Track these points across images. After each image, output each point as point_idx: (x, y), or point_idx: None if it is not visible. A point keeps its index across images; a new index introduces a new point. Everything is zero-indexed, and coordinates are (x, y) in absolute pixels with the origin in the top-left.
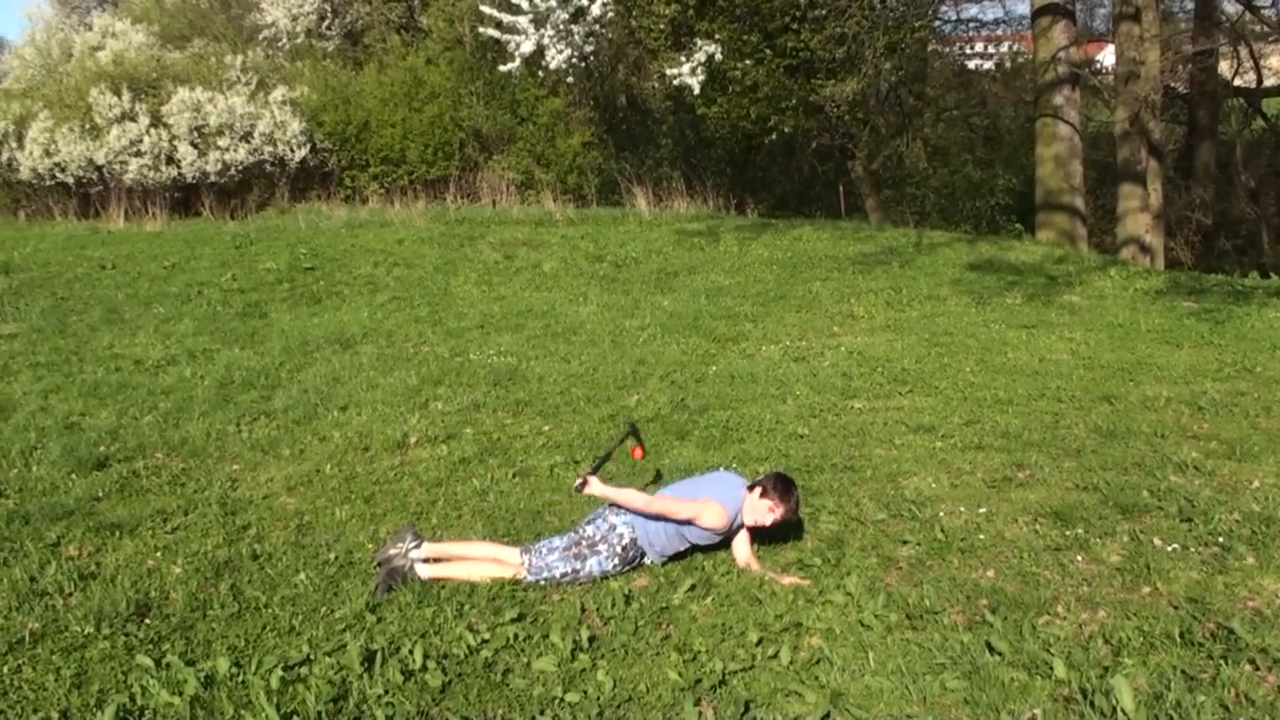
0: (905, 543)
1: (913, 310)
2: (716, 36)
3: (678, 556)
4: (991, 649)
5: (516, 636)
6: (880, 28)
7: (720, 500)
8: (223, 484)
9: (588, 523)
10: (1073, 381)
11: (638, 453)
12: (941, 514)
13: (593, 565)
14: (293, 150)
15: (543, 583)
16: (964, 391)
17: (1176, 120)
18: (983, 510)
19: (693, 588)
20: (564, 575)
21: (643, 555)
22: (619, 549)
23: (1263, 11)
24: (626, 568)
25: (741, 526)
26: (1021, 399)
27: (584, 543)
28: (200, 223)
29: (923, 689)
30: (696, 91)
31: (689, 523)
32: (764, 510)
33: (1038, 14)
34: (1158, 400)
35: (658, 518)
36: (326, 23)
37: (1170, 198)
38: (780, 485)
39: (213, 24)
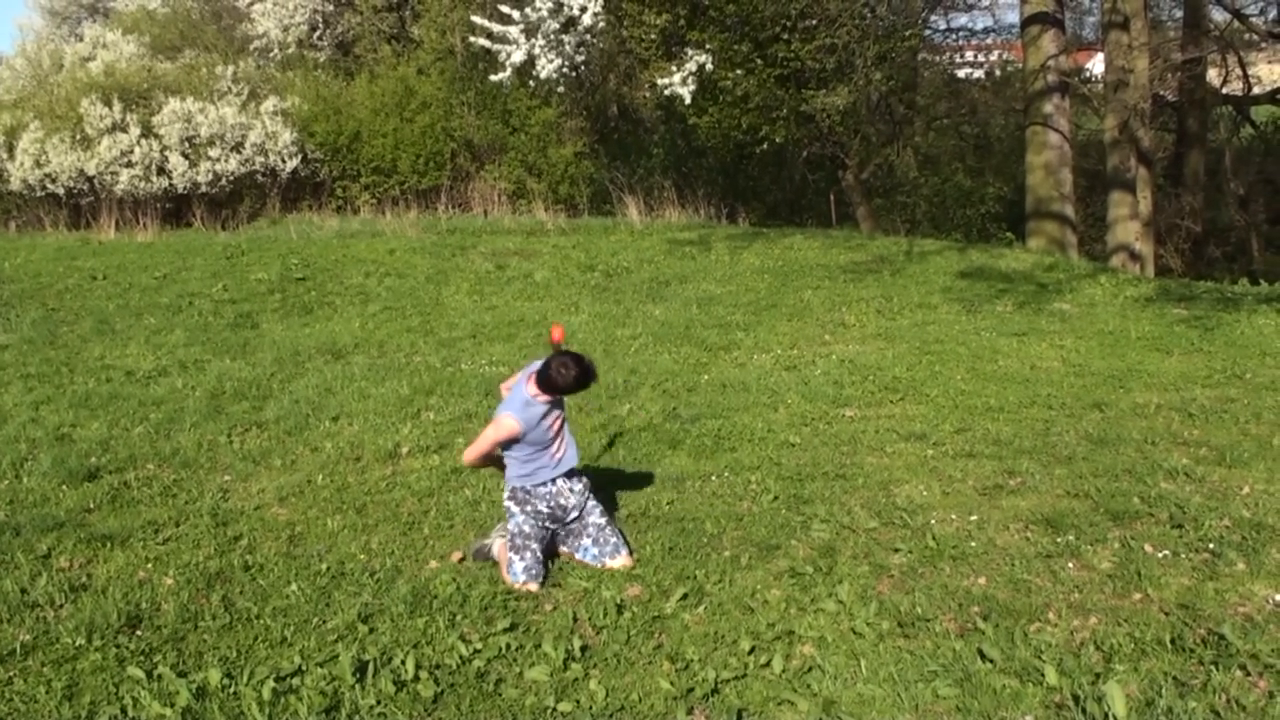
0: (897, 550)
1: (904, 318)
2: (707, 46)
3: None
4: (983, 656)
5: (509, 646)
6: (871, 37)
7: (507, 409)
8: (214, 495)
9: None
10: (1063, 389)
11: (556, 332)
12: (933, 521)
13: (513, 525)
14: (284, 160)
15: (529, 578)
16: (955, 399)
17: (1166, 128)
18: (974, 518)
19: (685, 596)
20: (525, 559)
21: (529, 495)
22: (507, 499)
23: (1251, 20)
24: (534, 507)
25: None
26: (1012, 406)
27: (507, 528)
28: (191, 233)
29: (915, 696)
30: (688, 101)
31: (509, 445)
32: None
33: (1027, 23)
34: (1148, 407)
35: (490, 461)
36: (318, 33)
37: (1160, 205)
38: (545, 378)
39: (204, 35)
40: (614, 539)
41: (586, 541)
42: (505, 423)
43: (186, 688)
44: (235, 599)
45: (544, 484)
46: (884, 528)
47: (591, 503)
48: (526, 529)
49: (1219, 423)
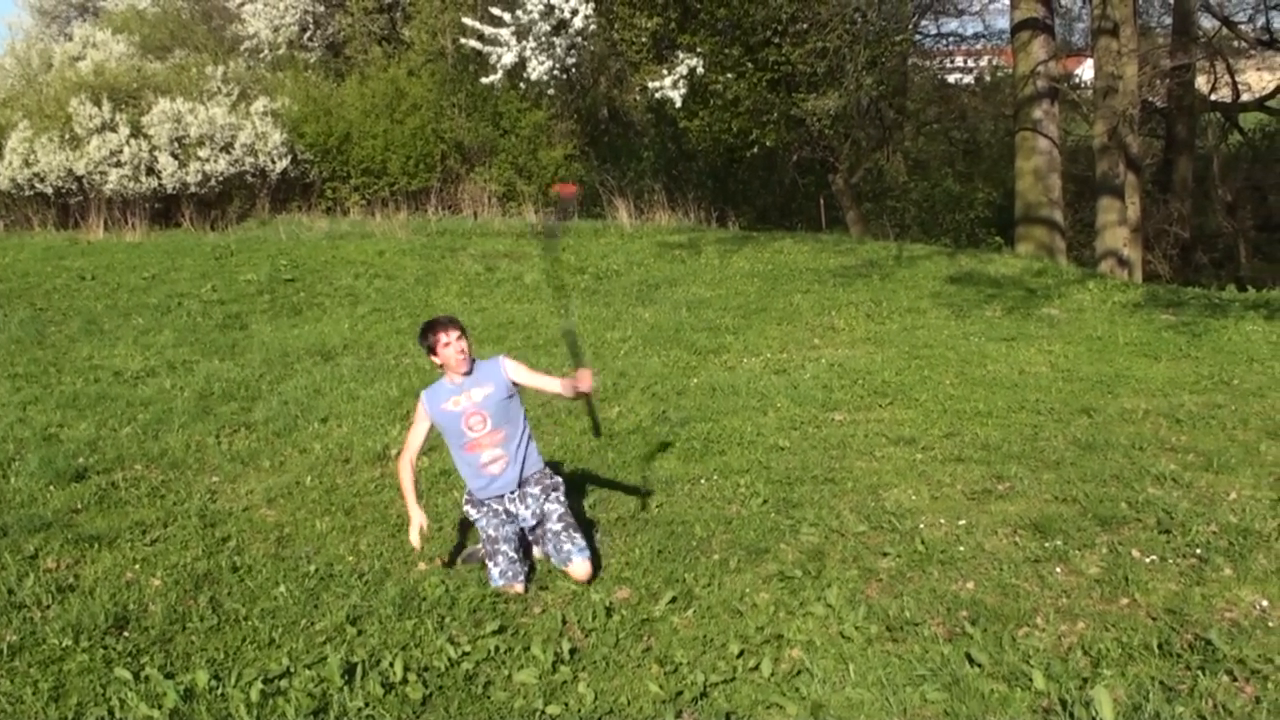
0: (885, 555)
1: (893, 323)
2: (698, 50)
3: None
4: (971, 661)
5: (497, 649)
6: (861, 42)
7: (419, 395)
8: (202, 496)
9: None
10: (1051, 394)
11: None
12: (921, 526)
13: (480, 526)
14: (274, 161)
15: (508, 580)
16: (944, 404)
17: (1154, 134)
18: (962, 522)
19: (674, 600)
20: (499, 564)
21: (475, 493)
22: (465, 504)
23: (1240, 27)
24: (489, 506)
25: (494, 384)
26: (1001, 411)
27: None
28: (180, 234)
29: (903, 701)
30: (678, 104)
31: (416, 428)
32: (449, 367)
33: (1017, 28)
34: (1136, 412)
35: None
36: (308, 34)
37: (1148, 211)
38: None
39: (194, 35)
40: (567, 545)
41: (549, 548)
42: (417, 408)
43: (174, 689)
44: (223, 600)
45: (487, 496)
46: (873, 532)
47: (550, 506)
48: (491, 531)
49: (1206, 428)
